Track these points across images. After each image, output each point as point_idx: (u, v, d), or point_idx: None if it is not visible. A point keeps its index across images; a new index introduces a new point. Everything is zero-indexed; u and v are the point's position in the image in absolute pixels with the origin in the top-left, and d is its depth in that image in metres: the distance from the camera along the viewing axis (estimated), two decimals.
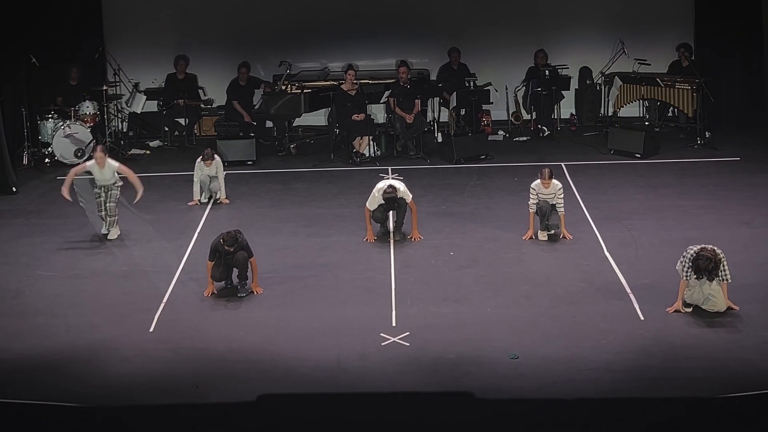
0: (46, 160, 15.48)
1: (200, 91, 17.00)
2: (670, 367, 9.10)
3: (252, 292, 10.74)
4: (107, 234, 12.36)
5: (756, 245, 11.60)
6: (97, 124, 15.87)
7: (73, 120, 15.57)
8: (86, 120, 15.66)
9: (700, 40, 17.03)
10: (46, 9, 16.15)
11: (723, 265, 9.82)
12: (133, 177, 12.42)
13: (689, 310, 10.00)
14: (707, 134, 15.80)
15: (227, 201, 13.61)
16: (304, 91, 15.99)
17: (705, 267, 9.68)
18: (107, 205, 12.36)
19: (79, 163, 12.47)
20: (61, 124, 15.48)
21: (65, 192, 12.24)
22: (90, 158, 12.57)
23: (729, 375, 8.93)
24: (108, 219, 12.39)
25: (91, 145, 15.48)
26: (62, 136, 15.38)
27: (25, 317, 10.36)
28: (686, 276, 9.88)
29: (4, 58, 15.08)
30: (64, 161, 15.35)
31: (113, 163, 12.39)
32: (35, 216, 13.29)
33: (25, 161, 15.45)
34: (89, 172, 12.53)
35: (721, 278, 9.84)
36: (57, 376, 9.22)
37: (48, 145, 15.55)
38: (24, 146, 15.52)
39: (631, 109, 16.95)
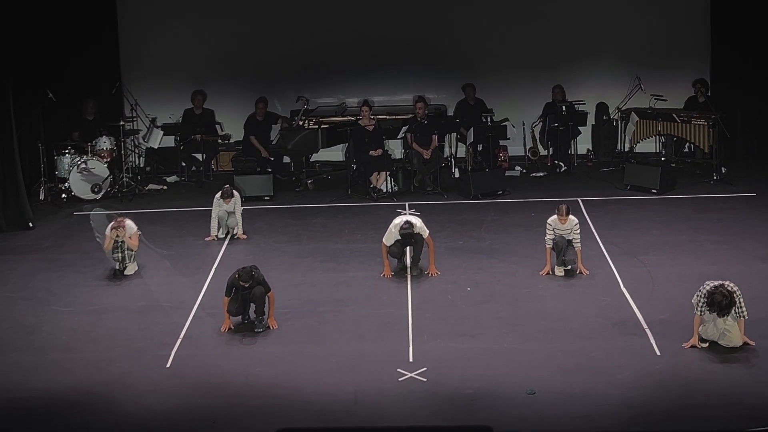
0: (63, 195, 15.51)
1: (217, 126, 17.09)
2: (687, 403, 9.06)
3: (268, 327, 10.75)
4: (123, 270, 12.38)
5: None
6: (114, 159, 15.92)
7: (89, 155, 15.60)
8: (103, 155, 15.69)
9: (716, 76, 17.07)
10: (63, 43, 16.26)
11: (740, 302, 9.79)
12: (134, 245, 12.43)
13: (706, 345, 9.95)
14: (723, 170, 15.79)
15: (244, 236, 13.64)
16: (322, 126, 16.06)
17: (719, 302, 9.66)
18: (125, 247, 12.38)
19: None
20: (77, 159, 15.54)
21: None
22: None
23: (745, 410, 8.88)
24: (126, 256, 12.41)
25: (108, 180, 15.57)
26: (79, 172, 15.45)
27: (42, 353, 10.38)
28: (700, 311, 9.85)
29: (21, 92, 15.20)
30: (81, 197, 15.42)
31: (131, 224, 12.32)
32: (52, 251, 13.35)
33: (41, 196, 15.52)
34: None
35: (738, 315, 9.80)
36: (74, 411, 9.24)
37: (65, 180, 15.60)
38: (40, 181, 15.59)
39: (648, 145, 16.98)
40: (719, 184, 15.53)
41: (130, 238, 12.28)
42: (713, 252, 12.57)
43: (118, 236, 12.23)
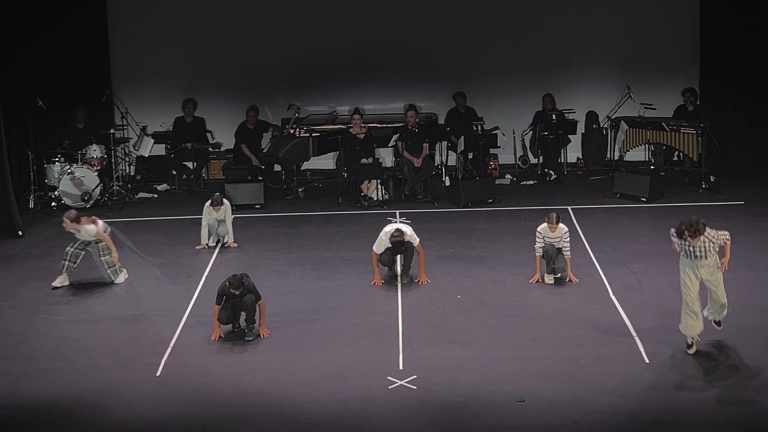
0: (53, 203, 15.51)
1: (208, 134, 17.10)
2: (675, 410, 9.09)
3: (259, 335, 10.77)
4: (113, 281, 12.36)
5: (760, 289, 11.64)
6: (105, 167, 15.93)
7: (80, 163, 15.61)
8: (93, 163, 15.69)
9: (706, 84, 17.16)
10: (54, 51, 16.26)
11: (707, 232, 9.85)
12: (109, 242, 12.34)
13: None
14: (712, 178, 15.86)
15: (235, 245, 13.66)
16: (313, 134, 16.09)
17: (687, 226, 9.79)
18: (102, 259, 12.28)
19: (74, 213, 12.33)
20: (67, 167, 15.53)
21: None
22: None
23: (733, 417, 8.92)
24: (109, 270, 12.33)
25: (98, 189, 15.56)
26: (69, 180, 15.42)
27: (32, 361, 10.37)
28: (681, 250, 10.00)
29: (11, 100, 15.19)
30: (71, 205, 15.38)
31: (90, 228, 12.20)
32: (41, 260, 13.33)
33: (31, 205, 15.51)
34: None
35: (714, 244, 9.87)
36: (63, 420, 9.23)
37: (54, 188, 15.60)
38: (30, 189, 15.58)
39: (637, 153, 17.06)
40: (708, 192, 15.60)
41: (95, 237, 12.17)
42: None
43: (76, 230, 12.11)
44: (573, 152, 17.41)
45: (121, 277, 12.43)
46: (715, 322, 10.23)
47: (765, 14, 16.17)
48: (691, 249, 9.91)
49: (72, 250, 12.27)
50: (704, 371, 9.75)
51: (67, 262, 12.27)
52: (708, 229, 9.89)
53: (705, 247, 9.89)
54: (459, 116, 17.04)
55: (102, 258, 12.31)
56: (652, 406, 9.15)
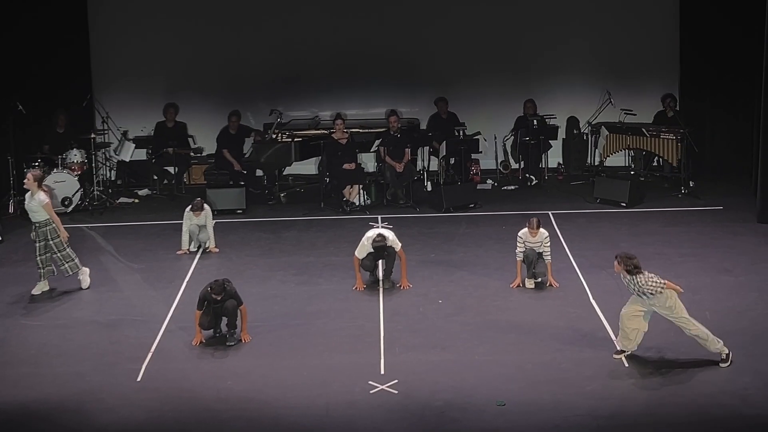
0: None
1: (190, 139, 17.09)
2: (653, 413, 9.15)
3: (241, 340, 10.76)
4: (80, 281, 12.27)
5: (737, 293, 11.72)
6: (85, 172, 15.83)
7: (60, 168, 15.53)
8: (74, 168, 15.61)
9: (685, 91, 17.26)
10: (34, 55, 16.19)
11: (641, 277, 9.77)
12: (55, 217, 12.06)
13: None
14: (691, 183, 15.96)
15: (217, 250, 13.64)
16: (295, 139, 16.10)
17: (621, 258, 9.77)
18: (59, 254, 12.04)
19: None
20: (48, 172, 15.45)
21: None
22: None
23: (711, 421, 8.99)
24: (67, 264, 12.12)
25: (79, 193, 15.49)
26: (46, 186, 15.29)
27: (10, 367, 10.32)
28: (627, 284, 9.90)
29: None
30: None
31: (41, 197, 11.97)
32: (21, 265, 13.26)
33: (11, 210, 15.42)
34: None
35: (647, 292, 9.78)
36: (43, 426, 9.20)
37: None
38: (10, 194, 15.49)
39: (617, 159, 17.14)
40: (687, 197, 15.70)
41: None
42: (680, 264, 12.70)
43: (31, 190, 11.92)
44: (554, 157, 17.49)
45: (86, 279, 12.27)
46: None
47: (745, 21, 16.27)
48: (626, 282, 9.91)
49: (40, 257, 12.09)
50: (683, 375, 9.79)
51: (42, 270, 12.19)
52: (641, 275, 9.75)
53: (636, 288, 9.84)
54: (441, 121, 17.08)
55: (58, 253, 12.05)
56: (632, 410, 9.20)
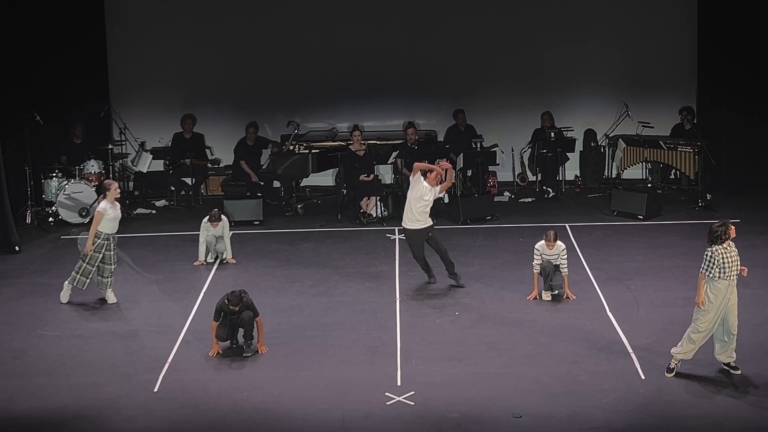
0: (50, 219, 15.51)
1: (207, 150, 17.15)
2: (670, 426, 9.11)
3: (257, 351, 10.78)
4: (105, 296, 12.30)
5: (755, 306, 11.66)
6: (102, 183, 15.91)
7: (77, 179, 15.60)
8: (91, 179, 15.67)
9: (702, 103, 17.23)
10: (51, 66, 16.28)
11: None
12: (94, 227, 12.08)
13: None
14: (708, 196, 15.91)
15: (234, 261, 13.67)
16: (312, 151, 16.13)
17: (715, 231, 9.78)
18: (110, 265, 12.15)
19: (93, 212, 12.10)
20: (65, 182, 15.52)
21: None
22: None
23: None
24: (110, 279, 12.27)
25: (96, 204, 15.54)
26: (66, 195, 15.43)
27: (28, 377, 10.35)
28: (707, 267, 9.90)
29: (8, 115, 15.20)
30: (68, 220, 15.41)
31: (105, 205, 12.08)
32: (38, 275, 13.34)
33: (28, 220, 15.49)
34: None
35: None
36: None
37: (52, 204, 15.58)
38: (27, 205, 15.56)
39: (634, 171, 17.11)
40: (704, 210, 15.65)
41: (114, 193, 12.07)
42: (697, 277, 12.59)
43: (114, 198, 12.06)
44: (571, 170, 17.48)
45: (111, 296, 12.31)
46: (727, 366, 10.05)
47: (761, 34, 16.25)
48: (730, 257, 9.86)
49: (92, 268, 12.10)
50: (699, 388, 9.76)
51: (109, 279, 12.17)
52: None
53: (737, 259, 9.92)
54: (458, 133, 17.10)
55: (84, 264, 12.10)
56: (648, 423, 9.16)
